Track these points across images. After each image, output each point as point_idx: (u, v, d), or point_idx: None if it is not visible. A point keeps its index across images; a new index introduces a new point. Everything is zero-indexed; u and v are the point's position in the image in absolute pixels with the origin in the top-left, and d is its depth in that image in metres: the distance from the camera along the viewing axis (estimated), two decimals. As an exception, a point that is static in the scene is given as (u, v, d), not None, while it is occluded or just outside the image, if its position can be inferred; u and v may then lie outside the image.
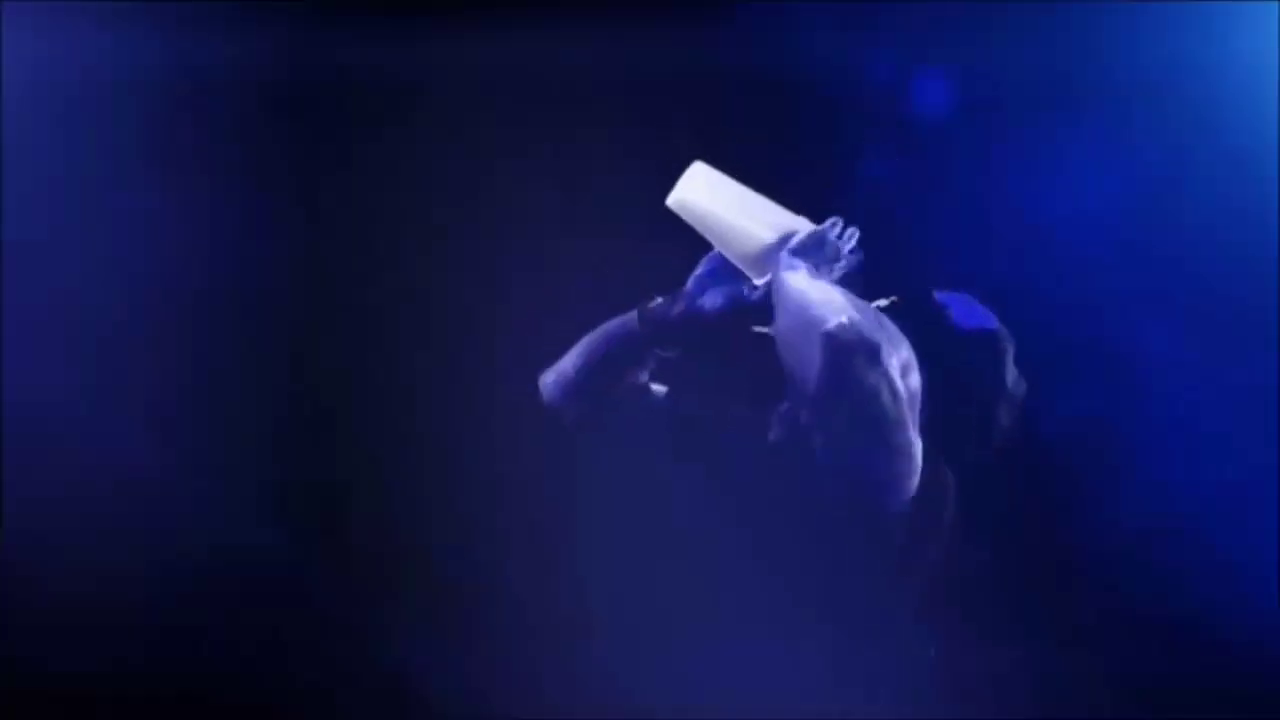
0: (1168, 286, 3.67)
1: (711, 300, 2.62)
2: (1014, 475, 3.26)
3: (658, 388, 2.63)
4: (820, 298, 2.44)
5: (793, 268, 2.50)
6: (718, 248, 2.59)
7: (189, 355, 3.56)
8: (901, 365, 2.43)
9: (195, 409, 3.57)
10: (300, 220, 3.60)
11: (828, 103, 3.68)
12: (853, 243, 2.58)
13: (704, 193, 2.58)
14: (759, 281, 2.58)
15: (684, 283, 2.63)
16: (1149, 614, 3.59)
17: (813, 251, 2.56)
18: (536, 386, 2.66)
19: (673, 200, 2.58)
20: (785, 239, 2.58)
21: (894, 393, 2.40)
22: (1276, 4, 3.61)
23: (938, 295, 2.57)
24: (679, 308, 2.62)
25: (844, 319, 2.39)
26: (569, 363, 2.66)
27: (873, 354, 2.39)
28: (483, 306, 3.61)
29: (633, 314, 2.64)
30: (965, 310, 2.59)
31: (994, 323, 2.60)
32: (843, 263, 2.57)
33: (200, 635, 3.46)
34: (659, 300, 2.62)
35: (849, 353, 2.39)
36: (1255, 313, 3.63)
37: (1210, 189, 3.65)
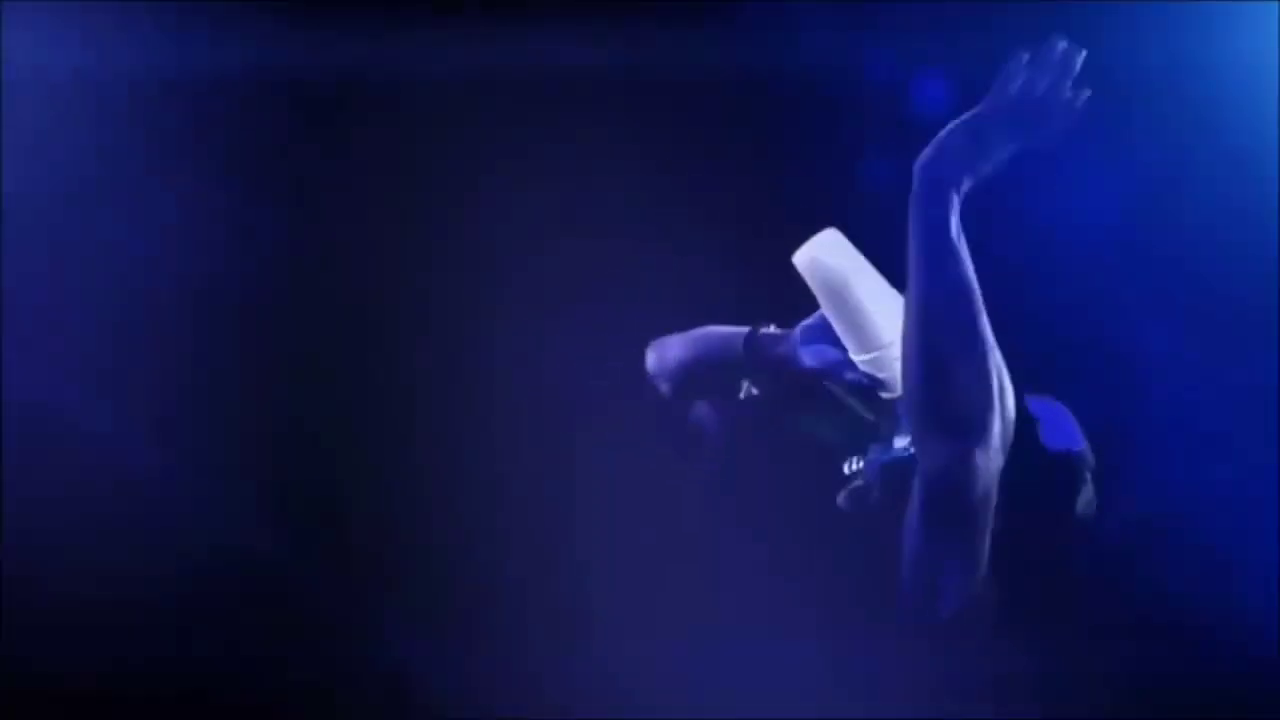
0: (1168, 286, 3.66)
1: (810, 357, 2.59)
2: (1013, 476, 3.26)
3: (751, 391, 2.61)
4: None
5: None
6: (828, 313, 2.57)
7: (189, 355, 3.56)
8: None
9: (195, 409, 3.57)
10: (301, 220, 3.60)
11: (828, 103, 3.68)
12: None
13: (834, 257, 2.58)
14: (857, 358, 2.56)
15: (694, 286, 2.63)
16: (1149, 614, 3.59)
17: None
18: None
19: (801, 258, 2.57)
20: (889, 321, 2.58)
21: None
22: (1276, 4, 3.61)
23: (1031, 402, 2.52)
24: (781, 349, 2.60)
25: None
26: (672, 348, 2.66)
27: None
28: (484, 306, 3.61)
29: (742, 332, 2.62)
30: (1054, 426, 2.54)
31: (1080, 444, 2.56)
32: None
33: (200, 635, 3.46)
34: (770, 329, 2.60)
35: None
36: (1255, 313, 3.63)
37: (1210, 189, 3.65)
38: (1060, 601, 2.88)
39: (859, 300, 2.58)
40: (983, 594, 2.41)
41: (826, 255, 2.58)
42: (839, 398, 2.59)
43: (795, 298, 3.19)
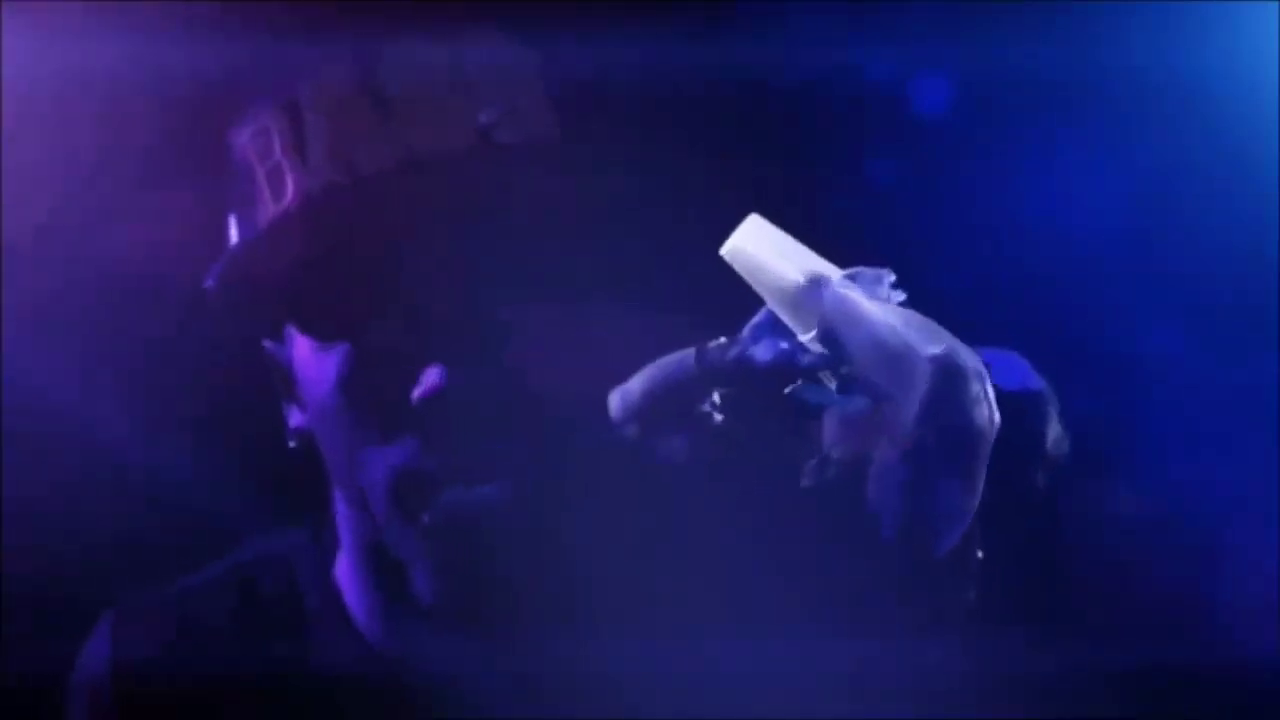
0: (1167, 287, 3.67)
1: (763, 352, 2.56)
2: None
3: (717, 415, 2.59)
4: (908, 320, 2.40)
5: (848, 291, 2.45)
6: (767, 301, 2.56)
7: (189, 356, 3.56)
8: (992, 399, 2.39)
9: (196, 408, 3.58)
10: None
11: (828, 103, 3.69)
12: (900, 297, 2.53)
13: (756, 243, 2.55)
14: (804, 338, 2.54)
15: (686, 287, 2.64)
16: (1148, 614, 3.59)
17: (868, 285, 2.51)
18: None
19: (726, 249, 2.55)
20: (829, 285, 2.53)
21: (992, 424, 2.35)
22: (1277, 4, 3.61)
23: (980, 354, 2.50)
24: (733, 352, 2.57)
25: (946, 344, 2.35)
26: (634, 387, 2.63)
27: (981, 381, 2.34)
28: (483, 306, 3.60)
29: (691, 351, 2.60)
30: (1007, 371, 2.53)
31: (1037, 383, 2.56)
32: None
33: (200, 633, 3.46)
34: (720, 342, 2.58)
35: (959, 379, 2.34)
36: (1255, 313, 3.64)
37: (1210, 189, 3.65)
38: (1046, 570, 2.87)
39: (791, 280, 2.56)
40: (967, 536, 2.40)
41: (748, 243, 2.55)
42: (798, 381, 2.56)
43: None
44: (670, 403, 2.67)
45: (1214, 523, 3.57)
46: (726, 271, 2.69)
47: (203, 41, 3.58)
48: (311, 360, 2.39)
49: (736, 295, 2.81)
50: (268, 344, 2.55)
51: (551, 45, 3.67)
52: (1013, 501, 2.50)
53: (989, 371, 2.53)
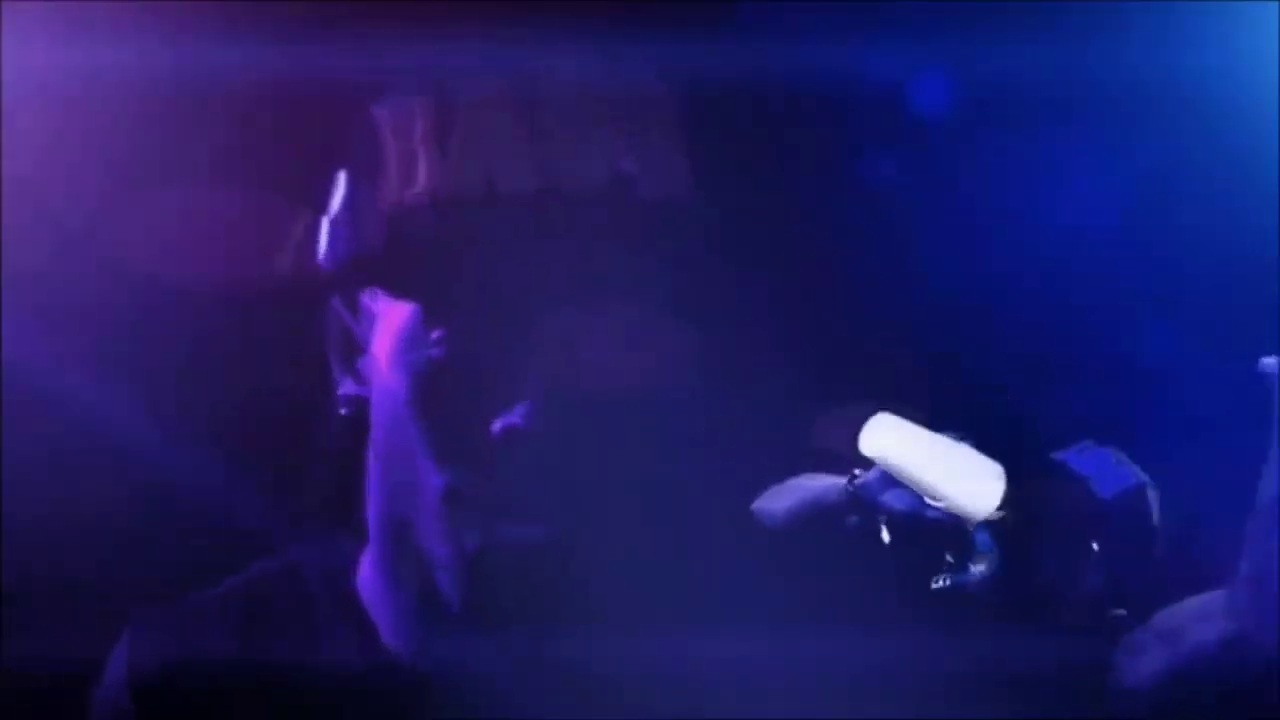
0: (1168, 287, 3.67)
1: (895, 501, 2.93)
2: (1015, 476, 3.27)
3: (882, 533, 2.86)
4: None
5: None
6: (904, 479, 2.92)
7: (190, 356, 3.56)
8: None
9: (197, 409, 3.58)
10: (302, 217, 3.61)
11: (828, 104, 3.69)
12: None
13: (894, 444, 2.94)
14: (932, 504, 2.91)
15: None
16: (1148, 613, 3.59)
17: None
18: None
19: (869, 449, 2.93)
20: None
21: None
22: (1276, 4, 3.61)
23: (1068, 459, 2.77)
24: (870, 496, 2.94)
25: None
26: (781, 505, 3.01)
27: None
28: (483, 305, 3.61)
29: (840, 483, 2.96)
30: (1101, 473, 2.75)
31: (1133, 477, 2.78)
32: None
33: (205, 630, 3.46)
34: (857, 476, 2.94)
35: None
36: (1255, 312, 3.63)
37: (1210, 189, 3.65)
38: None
39: (923, 468, 2.92)
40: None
41: (890, 445, 2.92)
42: (927, 530, 2.92)
43: (796, 297, 3.20)
44: (817, 521, 3.00)
45: (1214, 522, 3.56)
46: (725, 268, 2.71)
47: (201, 43, 3.58)
48: (392, 357, 2.41)
49: (735, 293, 2.81)
50: (337, 305, 2.60)
51: (550, 48, 3.68)
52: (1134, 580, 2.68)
53: (1084, 484, 2.73)
